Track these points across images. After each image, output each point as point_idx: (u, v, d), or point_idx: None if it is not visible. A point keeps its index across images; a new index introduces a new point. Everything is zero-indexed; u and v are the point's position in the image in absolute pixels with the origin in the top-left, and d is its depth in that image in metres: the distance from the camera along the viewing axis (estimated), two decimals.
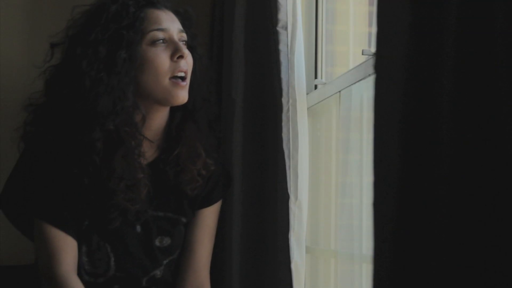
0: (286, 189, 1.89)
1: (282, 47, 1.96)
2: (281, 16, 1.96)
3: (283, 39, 1.96)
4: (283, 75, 1.94)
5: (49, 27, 2.51)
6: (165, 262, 1.78)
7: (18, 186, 1.72)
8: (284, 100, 1.92)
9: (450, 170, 0.87)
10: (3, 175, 1.88)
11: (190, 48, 1.76)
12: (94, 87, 1.62)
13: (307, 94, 2.10)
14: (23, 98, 2.31)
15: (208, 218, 1.86)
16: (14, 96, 2.49)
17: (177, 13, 1.77)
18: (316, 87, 2.19)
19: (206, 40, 2.30)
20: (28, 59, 2.49)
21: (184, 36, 1.74)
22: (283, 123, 1.91)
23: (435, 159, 0.90)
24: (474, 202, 0.85)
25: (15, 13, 2.49)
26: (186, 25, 1.79)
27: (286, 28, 1.97)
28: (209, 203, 1.86)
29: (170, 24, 1.72)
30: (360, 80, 1.77)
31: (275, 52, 1.94)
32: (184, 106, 1.78)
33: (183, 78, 1.71)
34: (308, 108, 2.10)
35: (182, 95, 1.70)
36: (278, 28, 1.95)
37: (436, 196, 0.89)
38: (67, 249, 1.66)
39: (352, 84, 1.83)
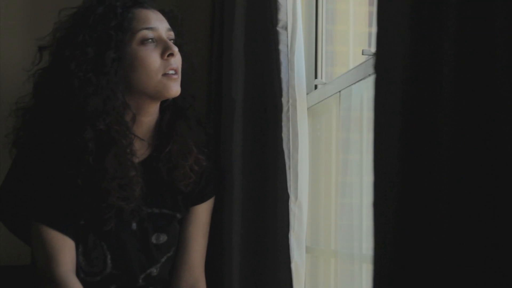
0: (286, 189, 1.89)
1: (282, 47, 1.96)
2: (281, 16, 1.96)
3: (283, 39, 1.96)
4: (283, 75, 1.94)
5: (48, 30, 2.51)
6: (162, 260, 1.79)
7: (13, 189, 1.72)
8: (284, 100, 1.92)
9: (450, 170, 0.87)
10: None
11: (177, 46, 1.77)
12: (83, 88, 1.64)
13: (307, 94, 2.10)
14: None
15: (202, 214, 1.87)
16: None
17: (163, 13, 1.79)
18: (316, 87, 2.19)
19: (206, 40, 2.30)
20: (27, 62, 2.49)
21: (172, 34, 1.76)
22: (283, 123, 1.91)
23: (435, 159, 0.90)
24: (474, 202, 0.85)
25: (14, 15, 2.49)
26: (173, 24, 1.81)
27: (286, 28, 1.97)
28: (202, 200, 1.87)
29: (159, 23, 1.73)
30: (360, 80, 1.77)
31: (275, 52, 1.94)
32: (173, 103, 1.80)
33: (174, 74, 1.73)
34: (308, 108, 2.10)
35: (175, 88, 1.72)
36: (278, 28, 1.94)
37: (437, 196, 0.89)
38: (65, 250, 1.67)
39: (352, 84, 1.83)
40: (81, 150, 1.63)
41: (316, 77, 2.21)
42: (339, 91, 1.92)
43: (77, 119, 1.64)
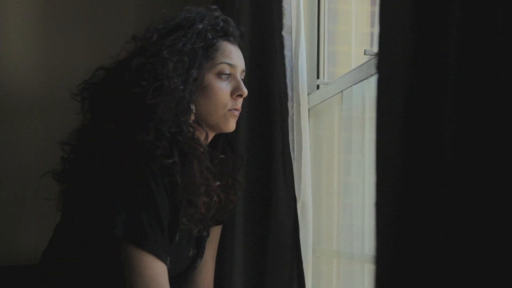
0: (294, 192, 1.90)
1: (287, 52, 1.96)
2: (285, 21, 1.97)
3: (288, 44, 1.97)
4: (288, 80, 1.95)
5: (57, 31, 2.52)
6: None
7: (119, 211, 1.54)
8: (289, 105, 1.93)
9: (452, 170, 0.87)
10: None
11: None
12: (171, 92, 1.61)
13: (309, 94, 2.10)
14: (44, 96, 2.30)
15: (219, 233, 1.88)
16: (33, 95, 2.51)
17: (241, 48, 1.79)
18: (318, 87, 2.19)
19: None
20: (43, 58, 2.50)
21: (243, 75, 1.76)
22: (289, 128, 1.92)
23: (437, 159, 0.90)
24: (476, 202, 0.85)
25: (29, 15, 2.49)
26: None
27: (290, 33, 1.98)
28: (225, 221, 1.87)
29: (238, 61, 1.74)
30: (362, 80, 1.77)
31: (281, 57, 1.95)
32: (226, 135, 1.79)
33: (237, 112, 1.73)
34: (310, 108, 2.10)
35: (233, 125, 1.73)
36: (283, 33, 1.95)
37: (438, 196, 0.89)
38: (167, 283, 1.60)
39: (354, 84, 1.83)
40: (170, 170, 1.59)
41: (318, 77, 2.22)
42: (341, 91, 1.92)
43: (157, 133, 1.59)
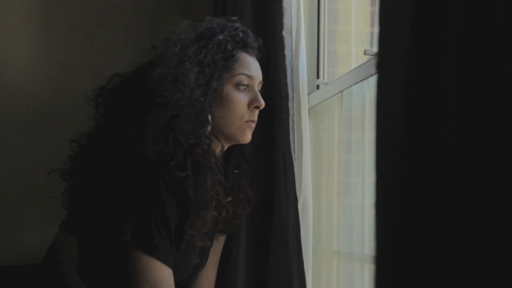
0: (295, 192, 1.90)
1: (287, 51, 1.97)
2: (286, 21, 1.97)
3: (288, 44, 1.97)
4: (289, 80, 1.95)
5: (52, 33, 2.52)
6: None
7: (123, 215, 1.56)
8: (290, 104, 1.93)
9: (452, 170, 0.87)
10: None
11: None
12: (192, 103, 1.61)
13: (309, 94, 2.10)
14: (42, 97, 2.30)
15: (223, 241, 1.88)
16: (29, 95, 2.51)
17: (259, 60, 1.79)
18: (318, 87, 2.19)
19: None
20: (42, 59, 2.50)
21: (261, 86, 1.76)
22: (290, 128, 1.92)
23: (437, 159, 0.90)
24: (476, 202, 0.85)
25: (30, 15, 2.50)
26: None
27: (290, 33, 1.98)
28: (232, 229, 1.87)
29: (256, 73, 1.74)
30: (362, 80, 1.77)
31: (281, 57, 1.95)
32: (240, 147, 1.79)
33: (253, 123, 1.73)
34: (310, 108, 2.10)
35: (249, 136, 1.73)
36: (283, 33, 1.95)
37: (438, 196, 0.89)
38: (173, 286, 1.60)
39: (354, 84, 1.83)
40: (182, 182, 1.58)
41: (318, 77, 2.22)
42: (341, 91, 1.92)
43: (175, 143, 1.59)
